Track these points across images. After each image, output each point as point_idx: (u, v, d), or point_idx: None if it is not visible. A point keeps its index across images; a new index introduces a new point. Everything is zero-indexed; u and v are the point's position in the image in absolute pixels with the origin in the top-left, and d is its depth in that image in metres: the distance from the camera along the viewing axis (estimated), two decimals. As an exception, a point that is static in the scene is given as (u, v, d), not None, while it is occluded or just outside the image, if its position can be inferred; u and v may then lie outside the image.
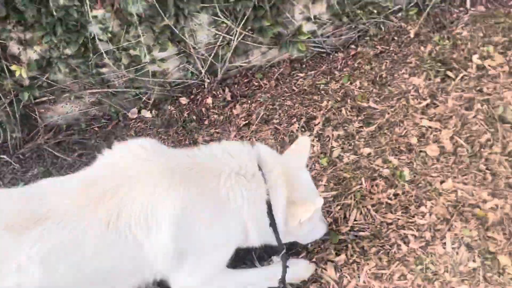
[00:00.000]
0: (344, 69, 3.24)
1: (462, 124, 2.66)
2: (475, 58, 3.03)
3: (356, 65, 3.25)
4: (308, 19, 3.15)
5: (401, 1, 3.28)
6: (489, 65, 2.96)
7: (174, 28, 2.83)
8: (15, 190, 1.82)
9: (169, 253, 1.57)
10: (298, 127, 2.93)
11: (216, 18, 2.92)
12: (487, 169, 2.41)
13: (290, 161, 1.87)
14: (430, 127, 2.72)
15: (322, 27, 3.26)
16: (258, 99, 3.20)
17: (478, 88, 2.85)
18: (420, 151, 2.61)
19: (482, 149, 2.51)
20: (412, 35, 3.27)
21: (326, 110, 2.99)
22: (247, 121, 3.05)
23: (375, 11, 3.26)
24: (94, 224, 1.50)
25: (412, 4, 3.28)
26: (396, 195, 2.40)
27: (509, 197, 2.28)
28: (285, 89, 3.23)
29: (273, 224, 1.74)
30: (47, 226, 1.46)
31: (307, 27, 3.22)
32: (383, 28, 3.33)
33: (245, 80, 3.34)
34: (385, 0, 3.22)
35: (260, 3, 2.84)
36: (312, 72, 3.30)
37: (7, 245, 1.44)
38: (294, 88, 3.22)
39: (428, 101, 2.84)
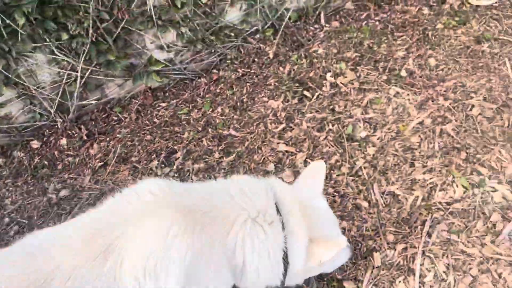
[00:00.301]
0: (207, 96, 3.17)
1: (314, 146, 2.70)
2: (328, 76, 3.10)
3: (218, 90, 3.19)
4: (161, 47, 3.02)
5: (258, 22, 3.27)
6: (341, 83, 3.05)
7: (5, 72, 2.56)
8: (15, 248, 1.43)
9: None
10: (157, 164, 2.80)
11: (54, 56, 2.69)
12: (335, 191, 2.46)
13: (306, 191, 1.68)
14: (286, 151, 2.73)
15: (180, 53, 3.15)
16: (118, 135, 3.02)
17: (331, 107, 2.91)
18: (277, 178, 2.61)
19: (332, 171, 2.56)
20: (271, 56, 3.28)
21: (187, 142, 2.89)
22: (104, 162, 2.87)
23: (232, 34, 3.22)
24: (102, 278, 1.32)
25: (268, 24, 3.28)
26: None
27: (356, 219, 2.34)
28: (146, 121, 3.08)
29: (285, 270, 1.55)
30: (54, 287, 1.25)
31: (163, 55, 3.10)
32: (242, 50, 3.30)
33: (103, 115, 3.14)
34: (240, 22, 3.19)
35: (100, 38, 2.66)
36: (175, 101, 3.18)
37: None
38: (155, 120, 3.08)
39: (284, 125, 2.85)
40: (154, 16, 2.76)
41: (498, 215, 2.25)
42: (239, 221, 1.45)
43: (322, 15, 3.41)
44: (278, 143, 2.77)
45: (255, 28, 3.27)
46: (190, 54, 3.16)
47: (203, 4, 2.89)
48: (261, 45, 3.33)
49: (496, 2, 3.42)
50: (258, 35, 3.32)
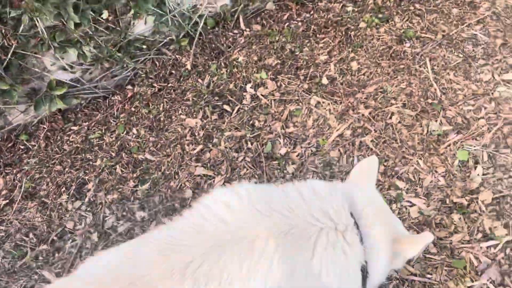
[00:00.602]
0: (121, 115, 2.96)
1: (232, 169, 2.57)
2: (248, 87, 2.95)
3: (133, 109, 2.98)
4: (64, 68, 2.78)
5: (171, 32, 3.04)
6: (262, 94, 2.91)
7: None
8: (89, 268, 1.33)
9: None
10: (67, 197, 2.62)
11: None
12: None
13: (369, 190, 1.56)
14: (204, 175, 2.60)
15: (88, 72, 2.92)
16: (25, 166, 2.80)
17: (251, 122, 2.78)
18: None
19: (249, 196, 2.45)
20: (189, 67, 3.09)
21: (99, 171, 2.70)
22: (9, 199, 2.65)
23: (145, 47, 3.00)
24: None
25: (183, 34, 3.07)
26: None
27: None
28: (56, 149, 2.86)
29: (363, 282, 1.44)
30: None
31: (69, 75, 2.85)
32: (158, 63, 3.09)
33: (9, 145, 2.90)
34: (152, 34, 2.96)
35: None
36: (87, 123, 2.96)
37: None
38: (65, 147, 2.86)
39: (202, 145, 2.70)
40: (47, 38, 2.51)
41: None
42: (320, 245, 1.34)
43: (241, 19, 3.22)
44: (196, 166, 2.63)
45: (169, 38, 3.05)
46: (98, 72, 2.92)
47: (105, 20, 2.64)
48: (177, 56, 3.12)
49: (419, -4, 3.32)
50: (173, 46, 3.11)
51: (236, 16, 3.19)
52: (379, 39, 3.09)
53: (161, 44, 3.06)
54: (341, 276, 1.39)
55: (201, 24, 3.03)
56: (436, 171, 2.42)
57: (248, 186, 1.43)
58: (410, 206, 2.32)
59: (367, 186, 1.58)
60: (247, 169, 2.54)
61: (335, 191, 1.47)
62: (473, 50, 2.92)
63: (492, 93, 2.67)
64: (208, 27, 3.17)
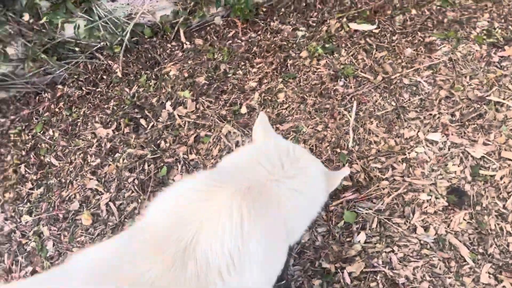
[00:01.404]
0: (45, 114, 3.01)
1: (119, 188, 2.55)
2: (168, 104, 2.88)
3: (57, 109, 3.02)
4: (-12, 63, 2.85)
5: (105, 38, 3.01)
6: (179, 114, 2.83)
7: None
8: (78, 266, 1.33)
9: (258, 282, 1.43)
10: (-31, 189, 2.72)
11: None
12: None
13: (277, 139, 1.76)
14: (96, 190, 2.59)
15: (19, 67, 2.97)
16: None
17: (158, 141, 2.72)
18: (75, 219, 2.50)
19: (125, 219, 2.42)
20: (120, 75, 3.06)
21: (7, 167, 2.78)
22: None
23: (77, 49, 3.00)
24: (187, 282, 1.27)
25: (117, 40, 3.03)
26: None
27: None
28: (-23, 138, 2.97)
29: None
30: None
31: (2, 68, 2.93)
32: (90, 66, 3.08)
33: None
34: (84, 37, 2.95)
35: None
36: (13, 117, 3.04)
37: None
38: (-14, 138, 2.96)
39: (103, 158, 2.69)
40: (-36, 35, 2.57)
41: None
42: (280, 191, 1.49)
43: (181, 32, 3.12)
44: (91, 179, 2.63)
45: (103, 43, 3.03)
46: (28, 69, 2.97)
47: (27, 22, 2.67)
48: (110, 62, 3.09)
49: (376, 28, 3.05)
50: (106, 51, 3.09)
51: (176, 28, 3.10)
52: (315, 72, 2.88)
53: (95, 48, 3.05)
54: (303, 212, 1.60)
55: (128, 33, 2.97)
56: (317, 230, 2.25)
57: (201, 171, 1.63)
58: (277, 262, 2.19)
59: (272, 137, 1.73)
60: (132, 192, 2.51)
61: (262, 150, 1.61)
62: (409, 100, 2.65)
63: (409, 153, 2.43)
64: (146, 37, 3.11)
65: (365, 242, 2.19)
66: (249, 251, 1.35)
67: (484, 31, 2.91)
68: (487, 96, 2.60)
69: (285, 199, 1.50)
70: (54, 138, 2.86)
